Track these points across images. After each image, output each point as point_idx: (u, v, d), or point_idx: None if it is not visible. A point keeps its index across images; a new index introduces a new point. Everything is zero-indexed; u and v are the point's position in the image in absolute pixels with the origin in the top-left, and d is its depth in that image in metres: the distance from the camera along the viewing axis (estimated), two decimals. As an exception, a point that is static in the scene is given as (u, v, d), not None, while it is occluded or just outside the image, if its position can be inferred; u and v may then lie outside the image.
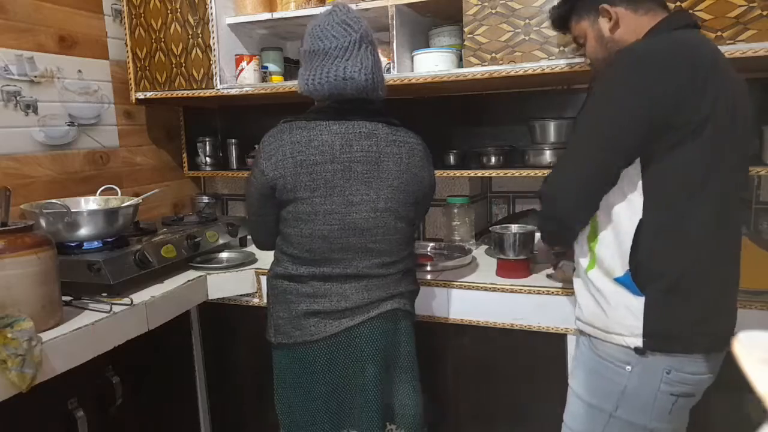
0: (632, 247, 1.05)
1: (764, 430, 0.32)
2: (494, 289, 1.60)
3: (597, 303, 1.13)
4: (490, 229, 1.78)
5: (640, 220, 1.04)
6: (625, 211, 1.06)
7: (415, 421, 1.33)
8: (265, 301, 1.46)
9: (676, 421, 1.12)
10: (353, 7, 1.79)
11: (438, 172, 1.88)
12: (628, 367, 1.08)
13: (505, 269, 1.67)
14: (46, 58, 1.84)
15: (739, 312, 1.37)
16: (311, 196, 1.22)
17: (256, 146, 1.31)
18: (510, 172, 1.84)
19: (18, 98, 1.76)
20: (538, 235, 1.40)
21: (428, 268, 1.75)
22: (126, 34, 2.09)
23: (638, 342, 1.06)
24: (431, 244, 2.05)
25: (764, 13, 1.37)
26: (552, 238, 1.28)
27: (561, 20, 1.27)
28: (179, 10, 2.01)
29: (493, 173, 1.89)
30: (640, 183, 1.04)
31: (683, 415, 1.15)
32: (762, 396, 0.31)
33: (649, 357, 1.06)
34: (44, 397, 1.23)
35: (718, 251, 1.06)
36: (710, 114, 0.98)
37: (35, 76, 1.81)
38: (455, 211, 2.05)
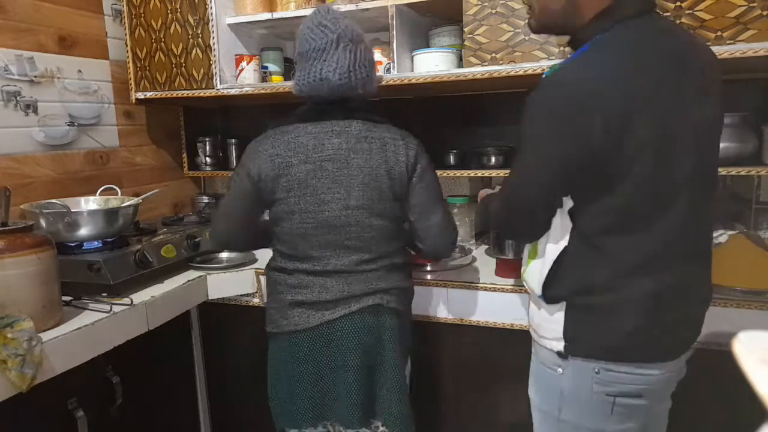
0: (551, 269, 1.05)
1: (764, 430, 0.32)
2: (494, 289, 1.60)
3: (535, 305, 1.15)
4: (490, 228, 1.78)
5: (565, 248, 1.03)
6: (556, 232, 1.06)
7: (401, 420, 1.33)
8: (265, 300, 1.48)
9: (626, 422, 1.06)
10: (353, 7, 1.79)
11: (438, 172, 1.88)
12: (560, 369, 1.08)
13: (504, 269, 1.68)
14: (46, 58, 1.84)
15: (739, 312, 1.38)
16: (287, 197, 1.26)
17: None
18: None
19: (18, 98, 1.76)
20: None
21: (428, 268, 1.75)
22: (126, 34, 2.09)
23: (560, 346, 1.07)
24: (431, 244, 2.05)
25: (764, 13, 1.37)
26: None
27: None
28: (179, 10, 2.01)
29: (493, 173, 1.89)
30: (570, 209, 1.03)
31: (640, 416, 1.07)
32: (762, 396, 0.31)
33: (577, 359, 1.06)
34: (44, 397, 1.23)
35: (648, 271, 1.00)
36: (636, 153, 0.93)
37: (35, 76, 1.81)
38: (455, 211, 2.05)
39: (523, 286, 1.56)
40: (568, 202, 1.03)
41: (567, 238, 1.04)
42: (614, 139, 0.92)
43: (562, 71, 0.98)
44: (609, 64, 0.95)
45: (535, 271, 1.11)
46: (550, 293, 1.08)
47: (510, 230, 1.16)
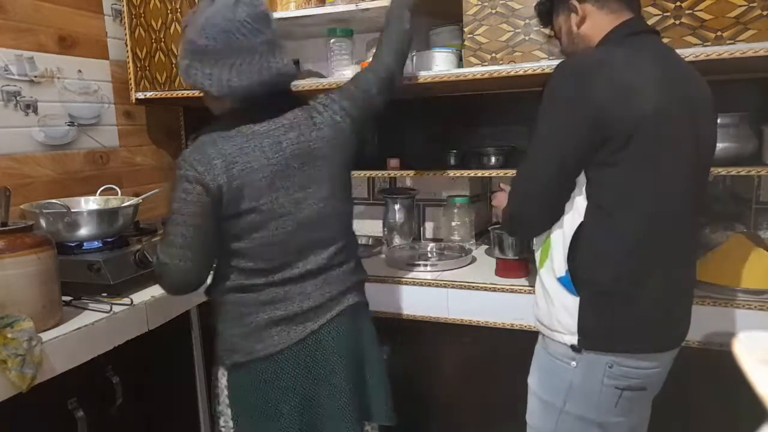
0: (570, 249, 1.09)
1: (764, 430, 0.32)
2: (494, 289, 1.60)
3: (545, 301, 1.17)
4: (489, 229, 1.78)
5: (581, 223, 1.08)
6: (571, 214, 1.10)
7: (388, 413, 1.33)
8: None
9: (627, 414, 1.13)
10: (353, 7, 1.79)
11: (438, 172, 1.89)
12: (573, 363, 1.11)
13: (504, 269, 1.68)
14: (46, 58, 1.84)
15: (739, 312, 1.38)
16: (258, 205, 1.15)
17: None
18: (510, 172, 1.83)
19: (18, 98, 1.76)
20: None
21: (428, 268, 1.75)
22: (126, 34, 2.09)
23: (574, 340, 1.10)
24: (431, 244, 2.05)
25: (764, 13, 1.37)
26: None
27: (545, 16, 1.29)
28: (179, 10, 2.01)
29: (493, 173, 1.89)
30: (584, 187, 1.08)
31: (637, 409, 1.16)
32: (762, 396, 0.31)
33: (590, 353, 1.09)
34: (44, 397, 1.22)
35: (656, 258, 1.07)
36: (636, 129, 1.00)
37: (35, 76, 1.81)
38: (455, 211, 2.06)
39: (523, 285, 1.58)
40: (581, 181, 1.08)
41: (583, 213, 1.08)
42: (617, 106, 1.00)
43: (571, 56, 1.13)
44: (615, 51, 1.07)
45: (559, 250, 1.12)
46: (572, 267, 1.09)
47: (527, 207, 1.16)
